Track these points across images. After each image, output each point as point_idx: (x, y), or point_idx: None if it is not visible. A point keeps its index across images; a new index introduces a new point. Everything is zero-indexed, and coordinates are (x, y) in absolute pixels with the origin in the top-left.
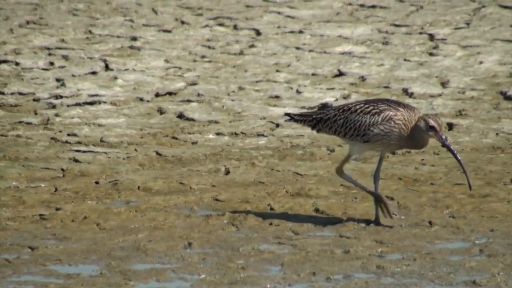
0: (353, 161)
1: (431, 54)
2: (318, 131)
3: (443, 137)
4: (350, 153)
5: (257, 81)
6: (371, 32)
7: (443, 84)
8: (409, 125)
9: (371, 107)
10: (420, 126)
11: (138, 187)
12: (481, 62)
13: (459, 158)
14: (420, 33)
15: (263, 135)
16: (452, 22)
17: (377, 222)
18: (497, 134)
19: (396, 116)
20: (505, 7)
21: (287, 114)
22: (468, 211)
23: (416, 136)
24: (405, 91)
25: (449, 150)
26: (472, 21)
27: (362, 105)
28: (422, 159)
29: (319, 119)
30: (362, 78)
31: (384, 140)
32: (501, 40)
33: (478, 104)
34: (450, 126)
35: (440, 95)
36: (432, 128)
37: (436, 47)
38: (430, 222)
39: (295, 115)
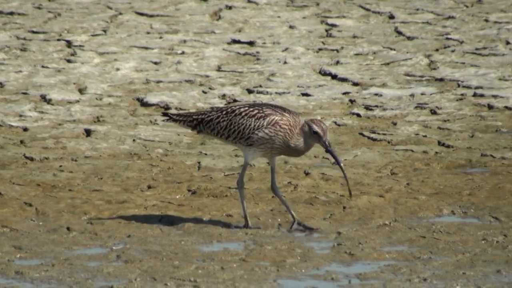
0: None
1: (69, 61)
2: (198, 132)
3: (326, 142)
4: (245, 161)
5: None
6: (9, 39)
7: (81, 91)
8: (294, 131)
9: (256, 111)
10: (305, 131)
11: None
12: (118, 69)
13: (342, 165)
14: (58, 39)
15: None
16: (89, 29)
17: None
18: (134, 140)
19: (281, 121)
20: (142, 14)
21: (165, 114)
22: (106, 217)
23: (299, 142)
24: (44, 98)
25: (332, 155)
26: (109, 28)
27: (246, 108)
28: (60, 166)
29: (200, 120)
30: (1, 85)
31: (267, 144)
32: (138, 47)
33: (115, 111)
34: (88, 133)
35: (78, 101)
36: (315, 133)
37: (73, 54)
38: (68, 228)
39: (173, 115)
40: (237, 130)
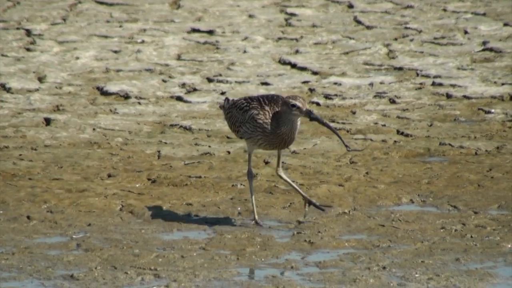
0: None
1: (28, 50)
2: None
3: (308, 112)
4: (247, 151)
5: None
6: None
7: (41, 80)
8: (271, 122)
9: (245, 104)
10: (285, 111)
11: None
12: (77, 58)
13: (331, 126)
14: (17, 28)
15: None
16: (49, 17)
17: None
18: (94, 129)
19: (257, 116)
20: (101, 3)
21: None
22: (66, 205)
23: (281, 126)
24: (3, 87)
25: (318, 121)
26: (68, 16)
27: (243, 101)
28: (20, 154)
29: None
30: None
31: (253, 138)
32: (98, 35)
33: (75, 100)
34: (48, 122)
35: (37, 90)
36: (294, 106)
37: (33, 43)
38: (28, 217)
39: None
40: (232, 123)
